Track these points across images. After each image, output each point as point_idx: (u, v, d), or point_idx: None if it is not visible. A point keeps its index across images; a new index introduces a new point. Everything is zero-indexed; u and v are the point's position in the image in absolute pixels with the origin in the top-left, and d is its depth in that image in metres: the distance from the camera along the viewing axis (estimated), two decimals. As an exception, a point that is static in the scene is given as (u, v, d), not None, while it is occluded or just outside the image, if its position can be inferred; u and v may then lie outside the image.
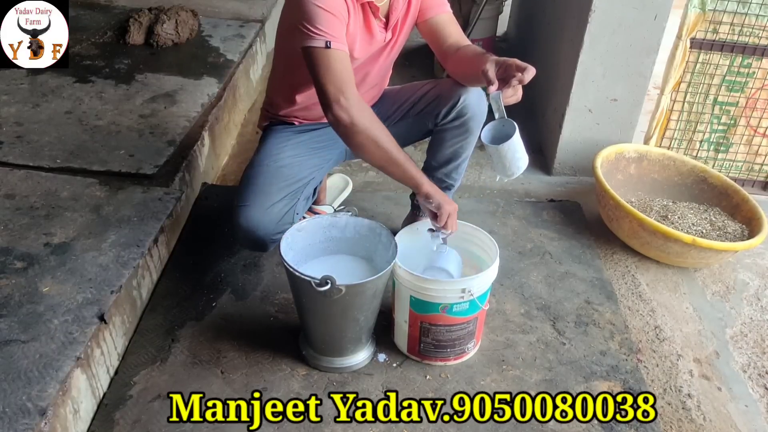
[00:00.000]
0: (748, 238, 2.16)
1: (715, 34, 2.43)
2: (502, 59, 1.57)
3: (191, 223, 2.18)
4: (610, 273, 2.16)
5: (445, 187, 2.02)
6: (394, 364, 1.74)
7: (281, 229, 1.73)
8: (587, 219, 2.38)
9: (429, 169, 1.98)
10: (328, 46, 1.52)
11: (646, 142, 2.64)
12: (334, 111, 1.54)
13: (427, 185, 1.65)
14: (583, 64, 2.41)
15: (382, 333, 1.80)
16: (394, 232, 1.70)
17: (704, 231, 2.20)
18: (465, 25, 2.98)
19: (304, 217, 2.04)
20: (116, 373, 1.67)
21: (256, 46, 3.16)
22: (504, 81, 1.54)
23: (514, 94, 1.55)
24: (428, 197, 1.65)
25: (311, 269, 1.59)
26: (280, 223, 1.74)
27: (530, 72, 1.52)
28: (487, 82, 1.54)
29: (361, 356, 1.73)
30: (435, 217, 1.68)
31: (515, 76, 1.52)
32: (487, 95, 1.57)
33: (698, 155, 2.64)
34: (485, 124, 1.66)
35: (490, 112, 1.61)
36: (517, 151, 1.61)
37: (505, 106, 1.56)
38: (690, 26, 2.40)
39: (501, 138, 1.59)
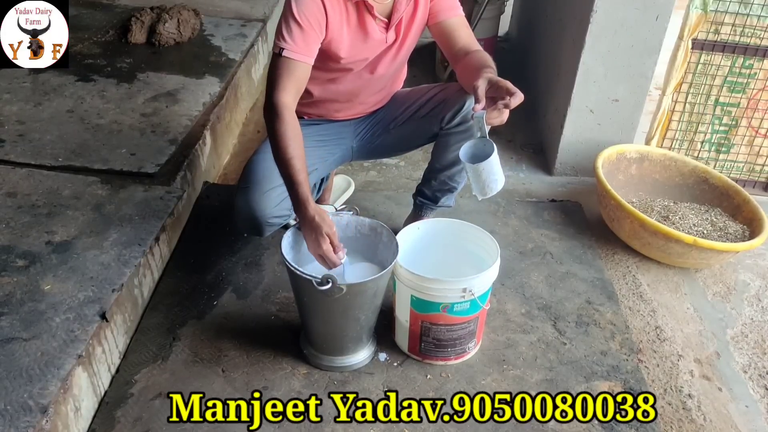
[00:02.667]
0: (749, 239, 2.16)
1: (716, 35, 2.43)
2: (495, 79, 1.54)
3: (192, 222, 2.18)
4: (611, 273, 2.16)
5: (448, 190, 2.03)
6: (395, 364, 1.74)
7: (278, 213, 1.75)
8: (588, 219, 2.38)
9: (433, 172, 1.99)
10: (280, 54, 1.63)
11: (648, 142, 2.65)
12: (265, 106, 1.66)
13: (312, 211, 1.55)
14: (585, 65, 2.41)
15: (383, 332, 1.80)
16: (396, 232, 1.70)
17: (705, 232, 2.20)
18: (467, 25, 2.98)
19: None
20: (117, 371, 1.67)
21: (257, 45, 3.17)
22: (493, 100, 1.53)
23: (498, 117, 1.53)
24: (302, 221, 1.57)
25: (313, 269, 1.59)
26: (278, 207, 1.75)
27: (518, 98, 1.51)
28: (474, 99, 1.53)
29: (362, 355, 1.73)
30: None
31: (503, 99, 1.51)
32: (472, 114, 1.55)
33: (699, 156, 2.64)
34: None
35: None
36: (493, 172, 1.60)
37: (490, 127, 1.56)
38: (692, 27, 2.40)
39: (480, 157, 1.59)
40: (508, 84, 1.52)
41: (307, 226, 1.56)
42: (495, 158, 1.58)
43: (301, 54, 1.63)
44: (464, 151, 1.62)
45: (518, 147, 2.84)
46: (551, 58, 2.85)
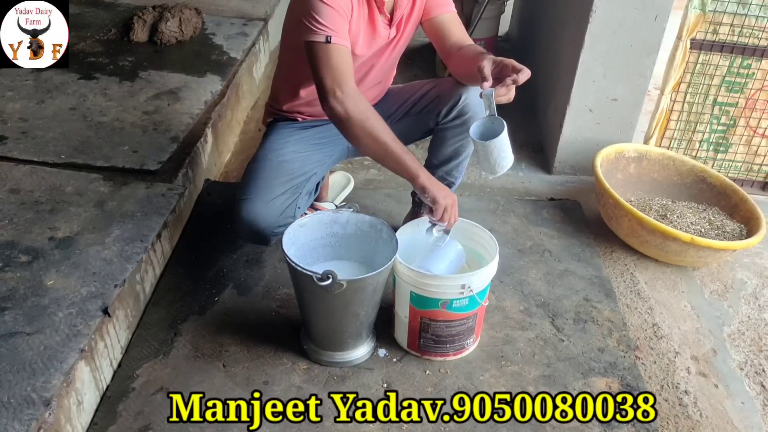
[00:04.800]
0: (746, 238, 2.17)
1: (715, 35, 2.44)
2: (499, 58, 1.57)
3: (194, 218, 2.20)
4: (609, 271, 2.18)
5: (446, 185, 2.04)
6: (394, 359, 1.76)
7: (283, 222, 1.75)
8: (587, 217, 2.40)
9: (430, 167, 2.00)
10: (328, 41, 1.55)
11: (646, 141, 2.66)
12: (330, 103, 1.58)
13: (424, 178, 1.64)
14: (584, 64, 2.42)
15: (383, 328, 1.82)
16: (395, 230, 1.71)
17: (703, 230, 2.22)
18: (467, 24, 2.99)
19: (305, 214, 2.06)
20: (119, 365, 1.69)
21: (259, 44, 3.18)
22: (499, 80, 1.55)
23: (506, 94, 1.55)
24: (424, 190, 1.65)
25: (314, 266, 1.61)
26: (282, 216, 1.76)
27: (525, 74, 1.53)
28: (481, 79, 1.54)
29: (361, 351, 1.74)
30: (431, 210, 1.69)
31: (510, 76, 1.53)
32: (481, 92, 1.57)
33: (698, 155, 2.65)
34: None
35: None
36: (503, 150, 1.62)
37: (497, 105, 1.57)
38: (690, 27, 2.41)
39: (489, 135, 1.60)
40: (513, 62, 1.55)
41: (441, 195, 1.65)
42: (505, 136, 1.59)
43: (345, 39, 1.59)
44: (474, 129, 1.63)
45: (518, 146, 2.85)
46: (551, 58, 2.87)
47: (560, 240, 2.25)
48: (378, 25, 1.73)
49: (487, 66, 1.55)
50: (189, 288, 1.93)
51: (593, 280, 2.09)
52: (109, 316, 1.62)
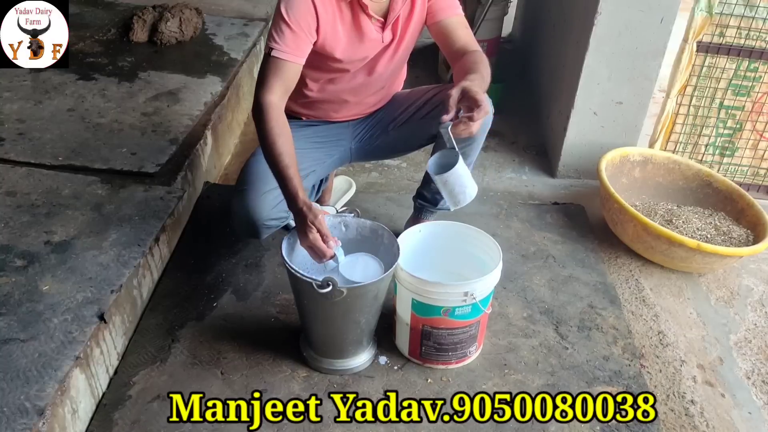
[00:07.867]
0: (752, 243, 2.14)
1: (721, 38, 2.41)
2: (468, 88, 1.50)
3: (193, 222, 2.17)
4: (614, 277, 2.15)
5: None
6: (395, 367, 1.73)
7: (275, 216, 1.74)
8: (591, 222, 2.37)
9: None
10: (269, 54, 1.63)
11: (651, 145, 2.63)
12: (254, 102, 1.66)
13: (299, 203, 1.53)
14: (589, 67, 2.39)
15: (384, 335, 1.79)
16: (397, 234, 1.69)
17: (709, 236, 2.19)
18: (470, 25, 2.96)
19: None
20: (116, 373, 1.66)
21: (260, 44, 3.16)
22: (467, 107, 1.50)
23: (466, 129, 1.50)
24: (296, 214, 1.54)
25: (313, 272, 1.58)
26: (275, 209, 1.74)
27: (482, 111, 1.48)
28: (445, 109, 1.50)
29: (362, 358, 1.72)
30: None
31: (470, 110, 1.48)
32: (440, 123, 1.52)
33: (703, 159, 2.62)
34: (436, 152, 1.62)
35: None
36: (460, 183, 1.58)
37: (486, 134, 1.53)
38: (696, 29, 2.38)
39: (447, 167, 1.57)
40: (477, 94, 1.49)
41: (296, 220, 1.54)
42: (460, 169, 1.56)
43: (291, 54, 1.62)
44: (433, 161, 1.61)
45: (521, 149, 2.83)
46: (555, 60, 2.84)
47: (564, 245, 2.22)
48: (366, 29, 1.70)
49: (454, 96, 1.49)
50: (187, 293, 1.91)
51: (598, 286, 2.06)
52: (105, 322, 1.60)
